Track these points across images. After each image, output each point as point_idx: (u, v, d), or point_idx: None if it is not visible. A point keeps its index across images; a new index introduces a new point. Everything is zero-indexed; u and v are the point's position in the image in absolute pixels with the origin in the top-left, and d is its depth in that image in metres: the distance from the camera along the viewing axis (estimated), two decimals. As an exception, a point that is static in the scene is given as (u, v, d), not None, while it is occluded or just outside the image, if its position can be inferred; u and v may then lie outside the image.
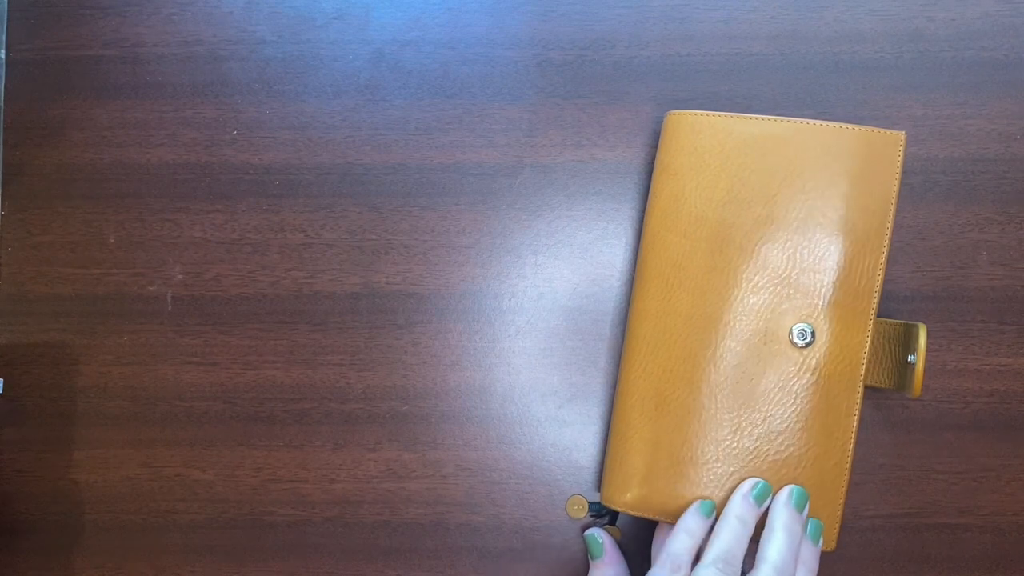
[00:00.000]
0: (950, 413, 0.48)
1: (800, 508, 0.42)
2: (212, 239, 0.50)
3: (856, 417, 0.43)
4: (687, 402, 0.44)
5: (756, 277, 0.44)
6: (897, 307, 0.48)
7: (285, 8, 0.51)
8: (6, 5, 0.52)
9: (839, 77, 0.49)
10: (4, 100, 0.51)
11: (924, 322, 0.43)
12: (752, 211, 0.44)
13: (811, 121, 0.44)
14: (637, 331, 0.45)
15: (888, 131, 0.44)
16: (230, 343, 0.50)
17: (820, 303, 0.43)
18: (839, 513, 0.43)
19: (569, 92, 0.50)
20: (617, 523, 0.48)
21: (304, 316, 0.50)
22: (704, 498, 0.43)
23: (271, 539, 0.49)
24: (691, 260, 0.44)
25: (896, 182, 0.44)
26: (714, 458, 0.43)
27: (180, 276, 0.50)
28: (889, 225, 0.43)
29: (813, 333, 0.43)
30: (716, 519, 0.42)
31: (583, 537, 0.47)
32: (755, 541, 0.42)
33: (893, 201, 0.43)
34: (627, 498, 0.44)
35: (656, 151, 0.47)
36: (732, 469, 0.43)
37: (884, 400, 0.48)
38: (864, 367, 0.43)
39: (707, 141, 0.45)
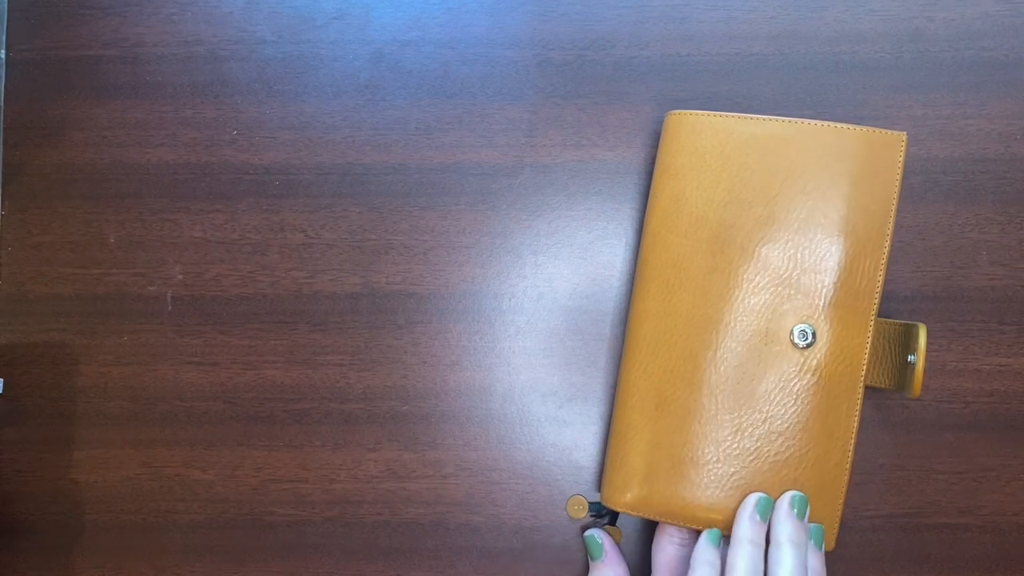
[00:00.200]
0: (950, 413, 0.47)
1: (802, 515, 0.42)
2: (212, 239, 0.50)
3: (857, 418, 0.43)
4: (687, 403, 0.44)
5: (757, 278, 0.44)
6: (897, 307, 0.48)
7: (285, 8, 0.51)
8: (6, 5, 0.52)
9: (839, 77, 0.49)
10: (4, 100, 0.51)
11: (924, 322, 0.43)
12: (753, 211, 0.44)
13: (812, 121, 0.44)
14: (638, 331, 0.45)
15: (890, 132, 0.44)
16: (230, 343, 0.49)
17: (821, 304, 0.43)
18: (839, 513, 0.42)
19: (569, 92, 0.50)
20: (617, 523, 0.48)
21: (304, 316, 0.49)
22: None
23: (271, 539, 0.48)
24: (692, 261, 0.44)
25: (897, 183, 0.43)
26: (715, 459, 0.43)
27: (180, 276, 0.50)
28: (890, 226, 0.43)
29: (814, 334, 0.43)
30: (723, 547, 0.42)
31: (583, 538, 0.47)
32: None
33: (894, 202, 0.43)
34: (627, 498, 0.44)
35: (656, 151, 0.47)
36: (733, 470, 0.43)
37: (884, 400, 0.48)
38: (865, 368, 0.43)
39: (708, 141, 0.45)
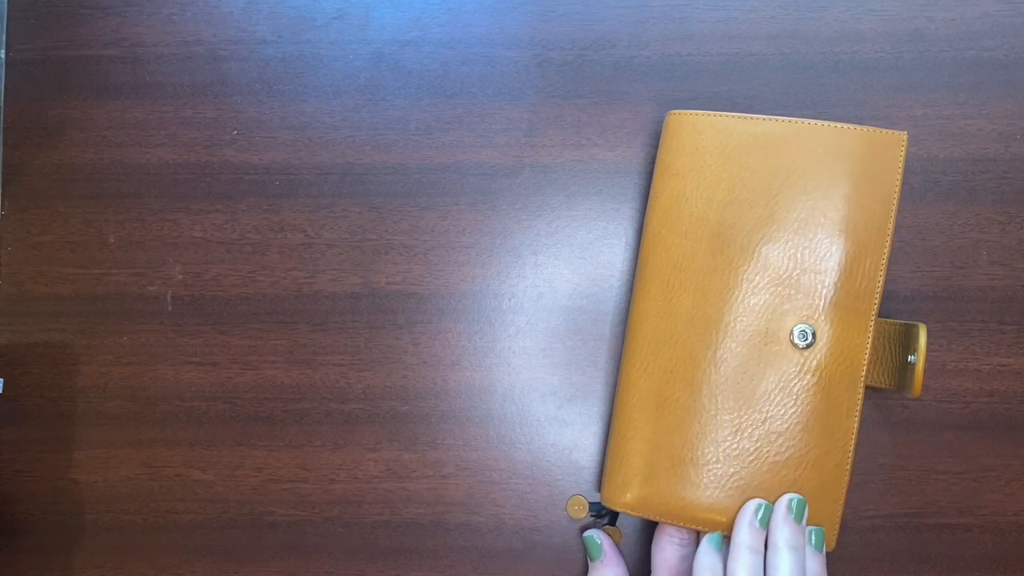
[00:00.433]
0: (950, 413, 0.47)
1: (799, 519, 0.42)
2: (212, 239, 0.50)
3: (857, 418, 0.42)
4: (688, 403, 0.43)
5: (757, 278, 0.43)
6: (897, 307, 0.48)
7: (285, 8, 0.51)
8: (6, 5, 0.51)
9: (839, 77, 0.49)
10: (4, 100, 0.51)
11: (924, 322, 0.43)
12: (753, 211, 0.44)
13: (813, 121, 0.44)
14: (638, 332, 0.45)
15: (890, 131, 0.44)
16: (230, 343, 0.49)
17: (821, 304, 0.43)
18: (839, 514, 0.42)
19: (569, 92, 0.50)
20: (617, 524, 0.48)
21: (304, 316, 0.49)
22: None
23: (271, 539, 0.48)
24: (692, 261, 0.44)
25: (898, 183, 0.43)
26: (715, 459, 0.43)
27: (180, 276, 0.50)
28: (891, 226, 0.43)
29: (814, 334, 0.43)
30: (725, 551, 0.42)
31: (582, 539, 0.47)
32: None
33: (895, 202, 0.43)
34: (627, 499, 0.44)
35: (656, 151, 0.47)
36: (732, 470, 0.43)
37: (884, 400, 0.47)
38: (865, 368, 0.43)
39: (708, 141, 0.45)
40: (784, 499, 0.42)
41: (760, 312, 0.43)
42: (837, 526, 0.42)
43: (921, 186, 0.48)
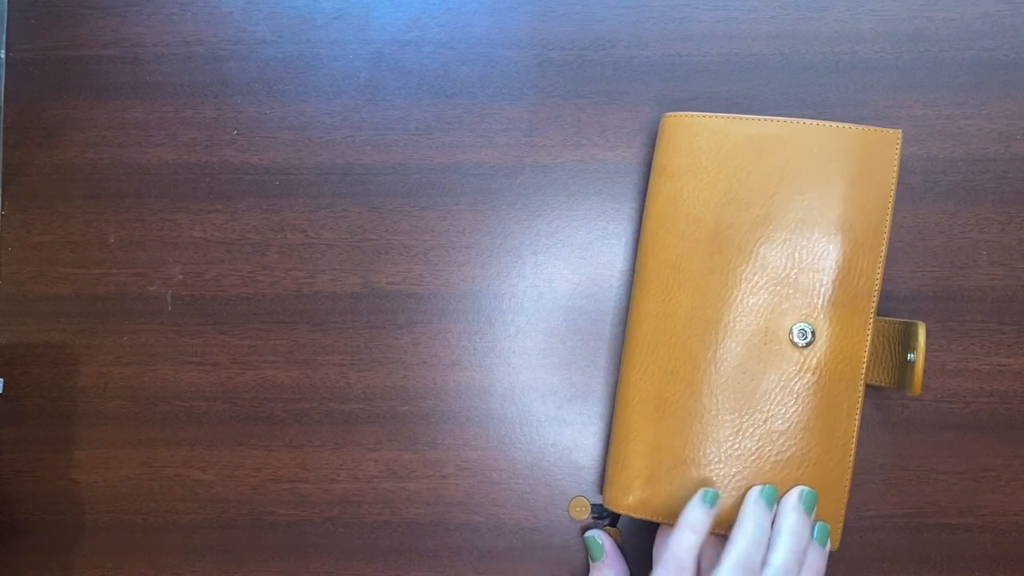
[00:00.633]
0: (950, 413, 0.47)
1: (809, 510, 0.42)
2: (212, 239, 0.50)
3: (858, 416, 0.43)
4: (688, 403, 0.43)
5: (755, 277, 0.43)
6: (897, 307, 0.48)
7: (285, 8, 0.51)
8: (6, 5, 0.51)
9: (839, 77, 0.49)
10: (4, 100, 0.51)
11: (924, 322, 0.42)
12: (750, 211, 0.44)
13: (807, 121, 0.44)
14: (637, 333, 0.45)
15: (885, 130, 0.44)
16: (230, 343, 0.49)
17: (820, 303, 0.43)
18: (842, 513, 0.42)
19: (569, 92, 0.50)
20: (619, 524, 0.47)
21: (304, 316, 0.49)
22: (708, 485, 0.42)
23: (271, 539, 0.48)
24: (690, 261, 0.44)
25: (893, 180, 0.43)
26: (716, 459, 0.43)
27: (180, 276, 0.50)
28: (887, 223, 0.43)
29: (813, 333, 0.43)
30: (718, 509, 0.42)
31: (583, 539, 0.47)
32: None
33: (891, 200, 0.43)
34: (629, 500, 0.44)
35: (653, 153, 0.47)
36: (734, 470, 0.43)
37: (884, 400, 0.47)
38: (865, 366, 0.43)
39: (704, 143, 0.45)
40: (796, 489, 0.42)
41: (759, 312, 0.43)
42: (841, 525, 0.42)
43: (921, 186, 0.48)
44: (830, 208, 0.43)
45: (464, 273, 0.49)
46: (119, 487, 0.49)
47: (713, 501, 0.42)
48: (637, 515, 0.44)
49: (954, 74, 0.49)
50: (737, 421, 0.43)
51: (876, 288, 0.43)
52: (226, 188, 0.50)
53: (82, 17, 0.52)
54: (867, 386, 0.43)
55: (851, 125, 0.44)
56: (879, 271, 0.43)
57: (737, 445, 0.43)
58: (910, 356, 0.42)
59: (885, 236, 0.43)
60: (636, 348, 0.45)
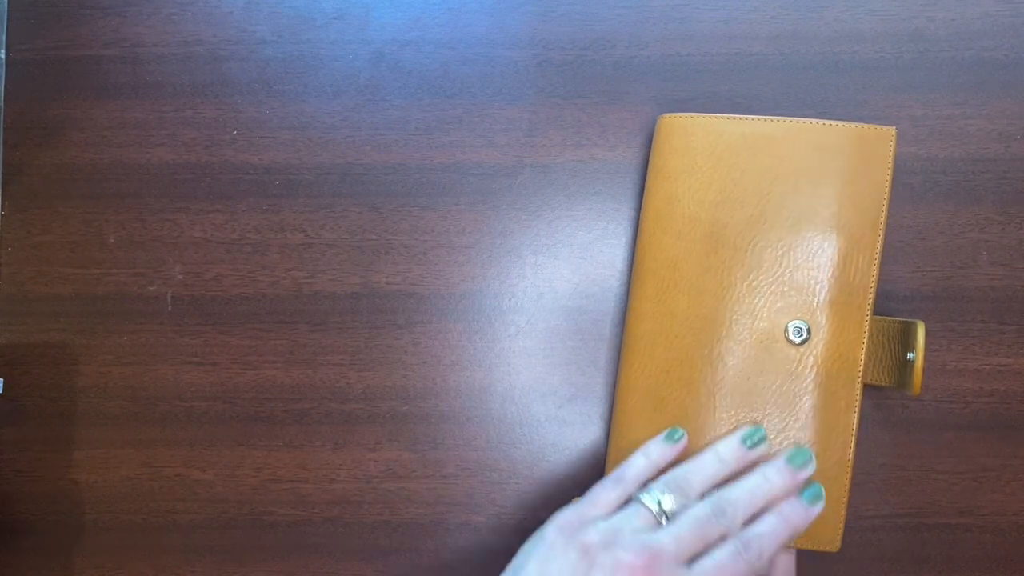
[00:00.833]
0: (950, 413, 0.47)
1: (795, 464, 0.41)
2: (212, 239, 0.50)
3: (856, 414, 0.43)
4: (686, 403, 0.44)
5: (751, 276, 0.44)
6: (897, 307, 0.48)
7: (285, 8, 0.51)
8: (6, 5, 0.52)
9: (839, 77, 0.49)
10: (4, 100, 0.51)
11: (924, 322, 0.42)
12: (745, 211, 0.44)
13: (801, 120, 0.45)
14: (634, 333, 0.45)
15: (879, 127, 0.44)
16: (230, 343, 0.49)
17: (815, 300, 0.43)
18: (843, 512, 0.42)
19: (569, 92, 0.50)
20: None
21: (304, 316, 0.49)
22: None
23: (271, 539, 0.48)
24: (686, 261, 0.44)
25: (888, 178, 0.44)
26: (714, 457, 0.43)
27: (180, 276, 0.50)
28: (882, 221, 0.43)
29: (809, 330, 0.43)
30: (684, 448, 0.43)
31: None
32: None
33: (886, 197, 0.44)
34: (627, 498, 0.44)
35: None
36: (732, 469, 0.43)
37: (884, 400, 0.47)
38: (862, 363, 0.43)
39: (699, 143, 0.45)
40: (790, 447, 0.42)
41: (755, 310, 0.44)
42: (841, 524, 0.42)
43: (921, 186, 0.48)
44: (824, 206, 0.44)
45: (464, 273, 0.50)
46: (119, 487, 0.49)
47: (677, 439, 0.42)
48: (637, 515, 0.44)
49: (954, 74, 0.49)
50: (734, 420, 0.43)
51: (872, 285, 0.43)
52: (226, 188, 0.50)
53: (82, 17, 0.52)
54: (867, 386, 0.44)
55: (844, 123, 0.45)
56: (875, 268, 0.43)
57: (736, 445, 0.43)
58: (910, 355, 0.42)
59: (880, 233, 0.43)
60: (634, 348, 0.45)
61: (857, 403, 0.43)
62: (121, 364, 0.50)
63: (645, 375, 0.45)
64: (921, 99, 0.49)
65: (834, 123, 0.45)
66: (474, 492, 0.49)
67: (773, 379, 0.43)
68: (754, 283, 0.44)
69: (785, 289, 0.44)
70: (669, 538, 0.38)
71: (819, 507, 0.40)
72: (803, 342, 0.43)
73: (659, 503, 0.39)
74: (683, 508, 0.39)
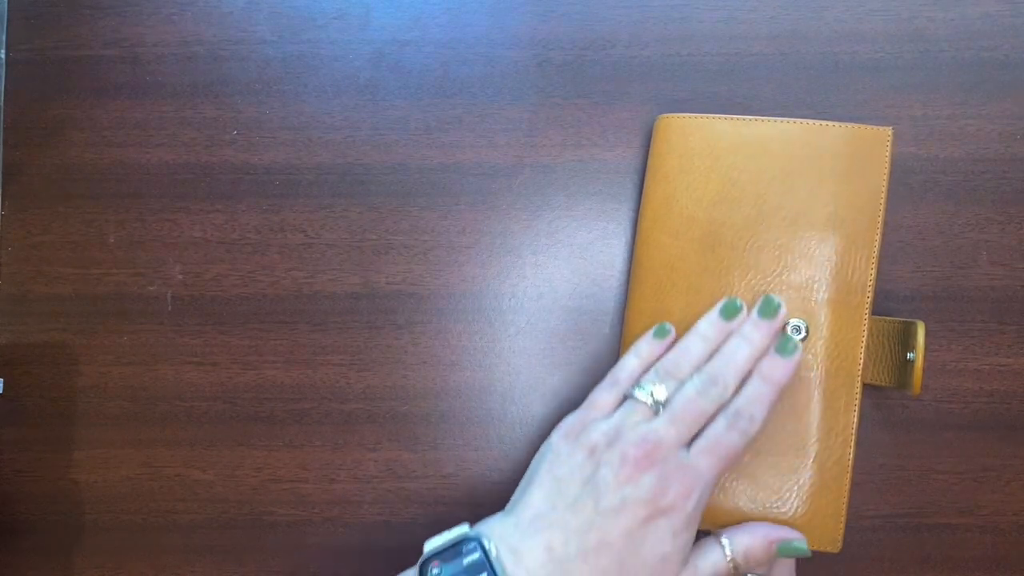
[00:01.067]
0: (950, 413, 0.47)
1: (766, 314, 0.42)
2: (212, 239, 0.50)
3: (856, 413, 0.43)
4: (686, 401, 0.44)
5: (749, 276, 0.44)
6: (897, 307, 0.48)
7: (285, 8, 0.51)
8: (6, 5, 0.52)
9: (839, 77, 0.49)
10: (4, 100, 0.51)
11: (924, 322, 0.43)
12: (742, 211, 0.44)
13: (798, 121, 0.45)
14: (633, 332, 0.46)
15: (875, 128, 0.45)
16: (230, 343, 0.49)
17: (814, 299, 0.43)
18: (843, 511, 0.42)
19: (569, 92, 0.50)
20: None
21: (304, 316, 0.49)
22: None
23: (271, 539, 0.49)
24: (684, 261, 0.45)
25: (884, 178, 0.44)
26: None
27: (180, 276, 0.50)
28: (880, 220, 0.44)
29: (808, 329, 0.43)
30: (672, 342, 0.43)
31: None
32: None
33: (883, 197, 0.44)
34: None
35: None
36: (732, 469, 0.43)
37: (884, 400, 0.48)
38: (861, 362, 0.43)
39: (696, 144, 0.46)
40: (760, 299, 0.43)
41: (754, 309, 0.44)
42: (842, 524, 0.42)
43: (921, 186, 0.48)
44: (822, 206, 0.44)
45: (464, 273, 0.50)
46: (119, 487, 0.49)
47: (665, 334, 0.43)
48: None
49: (954, 74, 0.49)
50: (736, 419, 0.43)
51: (871, 284, 0.43)
52: (226, 188, 0.51)
53: (82, 17, 0.52)
54: (867, 386, 0.44)
55: (841, 124, 0.45)
56: (873, 267, 0.44)
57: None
58: (909, 355, 0.42)
59: (878, 232, 0.44)
60: (635, 348, 0.45)
61: (857, 402, 0.43)
62: (121, 364, 0.50)
63: (645, 375, 0.45)
64: (921, 99, 0.49)
65: (830, 124, 0.45)
66: (474, 492, 0.49)
67: (772, 378, 0.44)
68: (752, 282, 0.44)
69: (783, 288, 0.44)
70: (665, 424, 0.39)
71: (796, 356, 0.42)
72: (802, 340, 0.43)
73: (652, 395, 0.41)
74: (677, 393, 0.41)
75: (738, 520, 0.43)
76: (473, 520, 0.41)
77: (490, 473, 0.49)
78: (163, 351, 0.50)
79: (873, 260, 0.44)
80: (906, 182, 0.49)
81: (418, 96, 0.51)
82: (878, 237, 0.44)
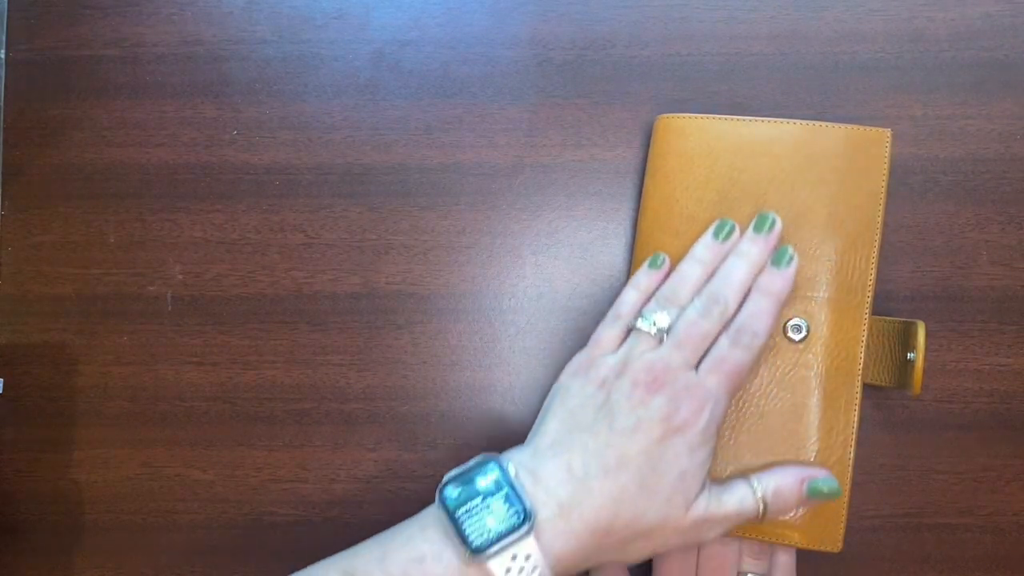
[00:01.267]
0: (950, 413, 0.48)
1: (762, 229, 0.43)
2: (212, 239, 0.50)
3: (856, 412, 0.43)
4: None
5: (749, 274, 0.44)
6: (897, 307, 0.48)
7: (285, 8, 0.51)
8: (6, 5, 0.52)
9: (839, 77, 0.49)
10: (4, 100, 0.51)
11: (924, 322, 0.43)
12: (742, 211, 0.45)
13: (798, 121, 0.45)
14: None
15: (874, 129, 0.45)
16: (230, 343, 0.49)
17: (814, 298, 0.44)
18: (844, 511, 0.43)
19: (569, 92, 0.50)
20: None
21: (304, 316, 0.50)
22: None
23: (271, 539, 0.49)
24: (684, 260, 0.45)
25: (884, 178, 0.44)
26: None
27: (180, 276, 0.50)
28: (879, 220, 0.44)
29: (808, 328, 0.43)
30: (668, 271, 0.44)
31: None
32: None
33: (882, 197, 0.44)
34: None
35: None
36: (730, 468, 0.43)
37: (884, 400, 0.48)
38: (861, 361, 0.43)
39: (696, 144, 0.46)
40: (756, 217, 0.44)
41: (754, 308, 0.44)
42: (843, 523, 0.43)
43: (921, 186, 0.49)
44: (821, 206, 0.44)
45: (464, 273, 0.50)
46: (119, 487, 0.49)
47: (660, 264, 0.44)
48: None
49: (954, 74, 0.49)
50: (733, 417, 0.43)
51: (871, 283, 0.44)
52: (226, 188, 0.51)
53: (82, 17, 0.52)
54: (867, 386, 0.44)
55: (840, 125, 0.45)
56: (873, 266, 0.44)
57: (732, 441, 0.43)
58: (910, 355, 0.42)
59: (877, 232, 0.44)
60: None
61: (857, 401, 0.43)
62: (121, 364, 0.50)
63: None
64: (921, 99, 0.50)
65: (829, 125, 0.45)
66: (474, 492, 0.49)
67: (771, 376, 0.44)
68: (751, 281, 0.44)
69: (783, 287, 0.44)
70: (671, 349, 0.41)
71: (793, 265, 0.42)
72: (802, 340, 0.43)
73: (655, 323, 0.41)
74: (679, 319, 0.42)
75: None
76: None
77: (490, 473, 0.49)
78: (163, 351, 0.50)
79: (873, 260, 0.44)
80: (906, 182, 0.49)
81: (418, 96, 0.51)
82: (878, 237, 0.44)
